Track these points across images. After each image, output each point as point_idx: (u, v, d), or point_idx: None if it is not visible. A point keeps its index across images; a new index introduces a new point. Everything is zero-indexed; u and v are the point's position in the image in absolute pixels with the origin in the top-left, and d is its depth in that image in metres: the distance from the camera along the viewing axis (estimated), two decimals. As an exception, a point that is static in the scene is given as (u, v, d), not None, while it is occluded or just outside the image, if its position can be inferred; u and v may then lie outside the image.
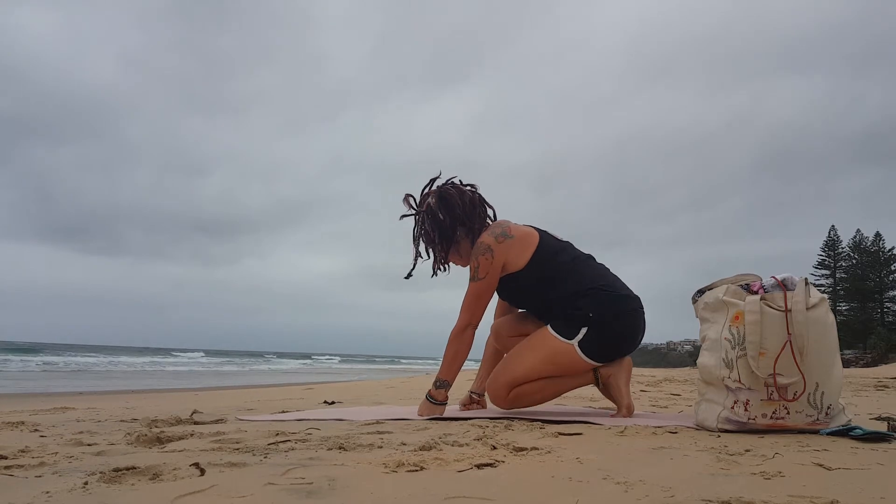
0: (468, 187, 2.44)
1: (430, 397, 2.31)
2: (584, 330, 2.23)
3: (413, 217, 2.43)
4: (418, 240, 2.43)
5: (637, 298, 2.35)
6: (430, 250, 2.43)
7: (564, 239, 2.45)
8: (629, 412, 2.27)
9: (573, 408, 2.71)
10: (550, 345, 2.28)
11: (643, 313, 2.36)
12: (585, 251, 2.44)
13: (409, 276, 2.46)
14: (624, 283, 2.37)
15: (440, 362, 2.34)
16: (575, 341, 2.24)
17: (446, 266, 2.47)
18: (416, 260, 2.44)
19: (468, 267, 2.36)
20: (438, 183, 2.43)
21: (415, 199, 2.44)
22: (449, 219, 2.36)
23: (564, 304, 2.28)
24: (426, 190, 2.43)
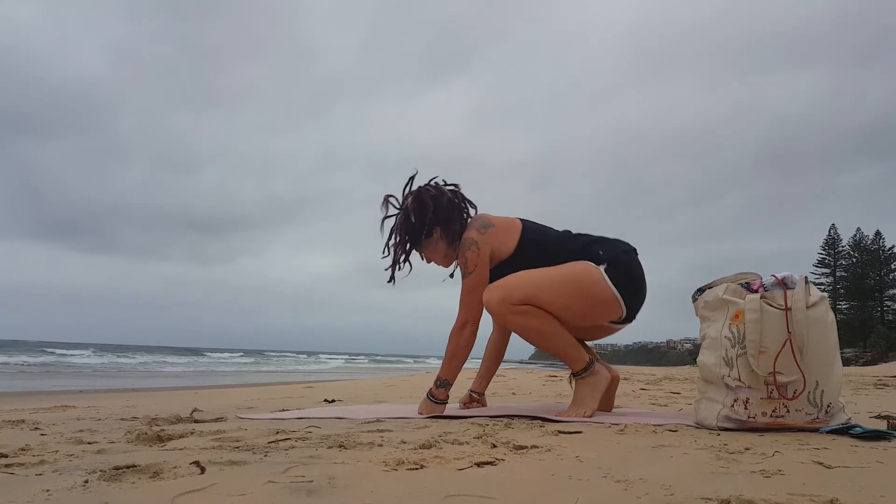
0: (449, 187, 2.43)
1: (430, 396, 2.30)
2: (604, 265, 2.19)
3: (396, 217, 2.42)
4: (404, 239, 2.41)
5: (635, 248, 2.33)
6: (392, 251, 2.42)
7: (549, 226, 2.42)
8: (606, 410, 2.27)
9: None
10: (577, 266, 2.20)
11: (639, 261, 2.32)
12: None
13: (391, 280, 2.44)
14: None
15: (440, 360, 2.34)
16: (601, 267, 2.18)
17: (403, 266, 2.44)
18: (392, 260, 2.42)
19: (457, 267, 2.34)
20: (419, 181, 2.42)
21: (397, 200, 2.43)
22: (419, 222, 2.36)
23: (578, 249, 2.24)
24: (406, 190, 2.42)
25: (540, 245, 2.29)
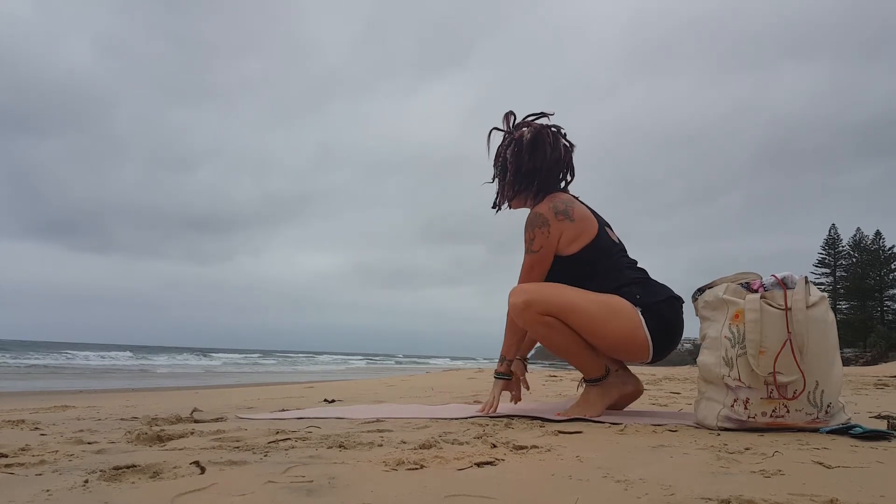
0: (566, 143, 2.31)
1: (495, 374, 2.29)
2: (640, 308, 2.11)
3: (503, 135, 2.34)
4: (497, 160, 2.34)
5: (678, 295, 2.24)
6: (499, 180, 2.35)
7: (618, 239, 2.31)
8: (580, 412, 2.18)
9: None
10: (615, 301, 2.12)
11: (682, 309, 2.23)
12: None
13: (495, 206, 2.39)
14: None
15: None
16: (638, 309, 2.10)
17: (507, 205, 2.38)
18: (500, 196, 2.36)
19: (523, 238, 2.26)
20: (546, 122, 2.30)
21: (514, 118, 2.34)
22: (531, 163, 2.25)
23: (618, 286, 2.16)
24: (529, 119, 2.32)
25: (594, 264, 2.20)
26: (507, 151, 2.29)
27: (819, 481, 1.09)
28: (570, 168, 2.33)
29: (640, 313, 2.09)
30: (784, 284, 1.79)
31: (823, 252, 48.10)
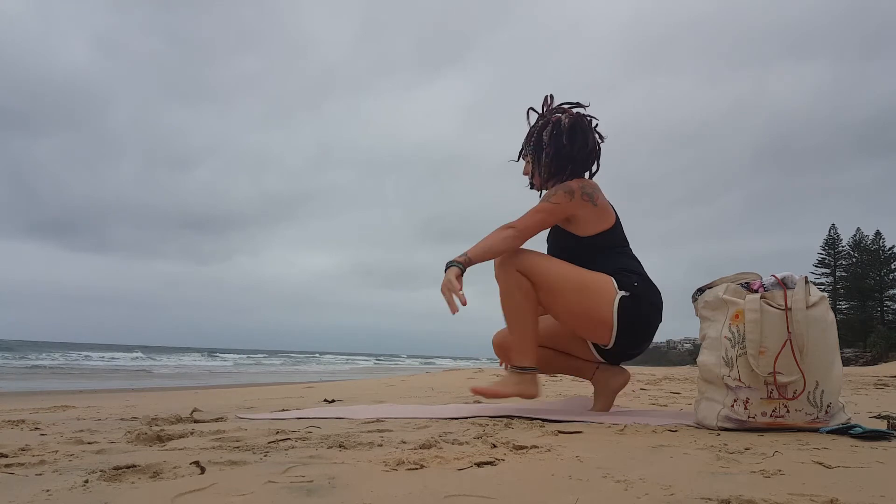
0: (598, 134, 2.35)
1: (451, 262, 2.10)
2: (624, 293, 2.13)
3: (538, 117, 2.35)
4: (530, 140, 2.35)
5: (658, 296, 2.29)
6: (535, 161, 2.35)
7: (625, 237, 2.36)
8: (603, 410, 2.28)
9: (574, 399, 2.71)
10: (598, 278, 2.15)
11: (657, 324, 2.27)
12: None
13: (532, 186, 2.40)
14: None
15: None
16: (620, 293, 2.13)
17: (538, 188, 2.38)
18: (541, 175, 2.35)
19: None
20: (583, 112, 2.33)
21: (551, 101, 2.36)
22: (568, 149, 2.27)
23: (617, 269, 2.20)
24: (567, 106, 2.34)
25: (607, 250, 2.24)
26: (545, 133, 2.30)
27: (819, 481, 1.09)
28: (598, 160, 2.37)
29: (619, 298, 2.12)
30: (784, 284, 1.79)
31: (823, 252, 48.13)
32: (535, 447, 1.42)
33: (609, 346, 2.19)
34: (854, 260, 47.33)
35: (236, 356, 34.99)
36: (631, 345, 2.21)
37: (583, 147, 2.29)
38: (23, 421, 2.11)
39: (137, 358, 24.11)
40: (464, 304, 2.02)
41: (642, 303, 2.15)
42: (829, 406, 1.74)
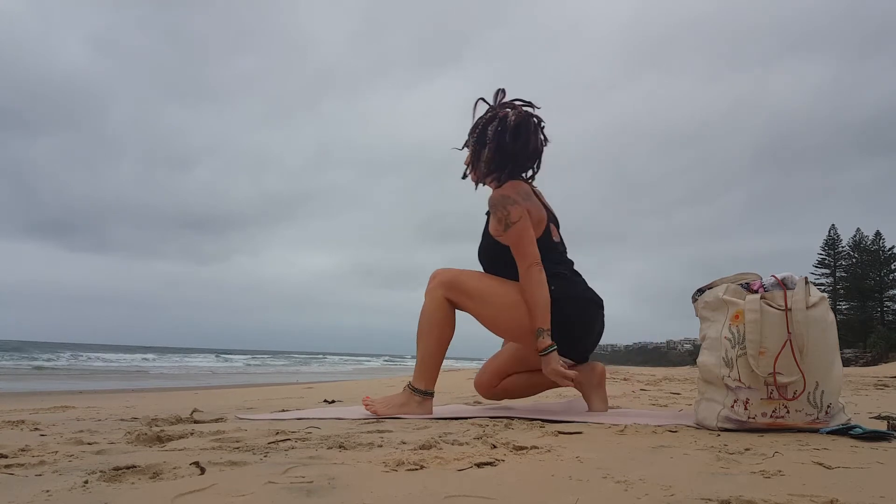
0: (543, 137, 2.34)
1: (547, 349, 2.13)
2: None
3: (487, 109, 2.34)
4: (474, 131, 2.34)
5: (600, 299, 2.34)
6: (474, 153, 2.35)
7: (560, 238, 2.40)
8: (600, 411, 2.30)
9: (574, 400, 2.71)
10: (518, 287, 2.21)
11: (602, 313, 2.34)
12: (580, 249, 2.42)
13: (465, 176, 2.41)
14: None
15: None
16: None
17: (475, 181, 2.40)
18: (480, 172, 2.35)
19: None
20: (532, 112, 2.31)
21: (503, 96, 2.34)
22: (511, 146, 2.26)
23: None
24: (518, 102, 2.31)
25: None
26: (490, 127, 2.29)
27: (819, 482, 1.09)
28: (540, 162, 2.37)
29: None
30: (784, 285, 1.79)
31: (823, 252, 48.16)
32: (535, 448, 1.42)
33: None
34: (854, 260, 47.35)
35: (243, 357, 35.04)
36: (574, 341, 2.27)
37: (524, 147, 2.28)
38: (23, 421, 2.11)
39: (147, 359, 24.12)
40: (573, 377, 2.14)
41: (564, 304, 2.20)
42: (829, 407, 1.74)
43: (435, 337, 2.25)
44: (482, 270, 2.39)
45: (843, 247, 47.83)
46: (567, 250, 2.42)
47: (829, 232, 48.27)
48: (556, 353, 2.14)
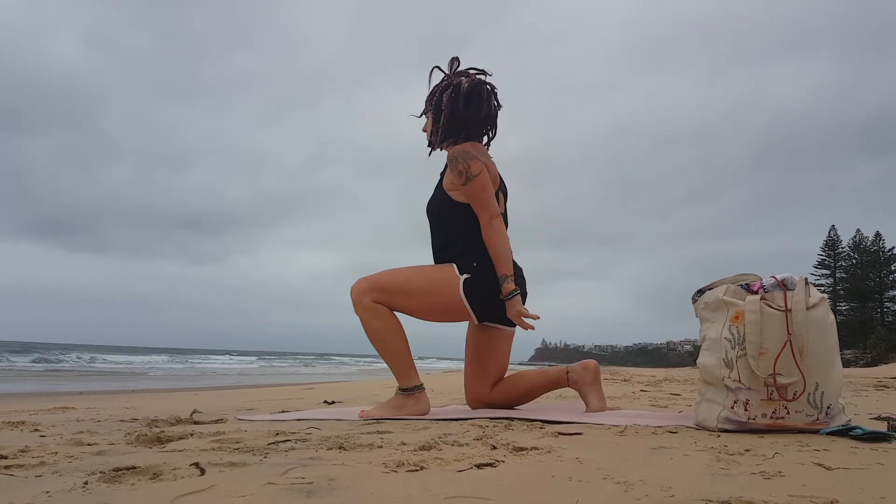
0: (496, 103, 2.41)
1: (511, 293, 2.20)
2: (466, 275, 2.25)
3: (442, 77, 2.40)
4: (431, 99, 2.41)
5: (520, 269, 2.38)
6: (433, 122, 2.41)
7: (505, 209, 2.44)
8: (598, 410, 2.30)
9: (574, 401, 2.71)
10: (442, 274, 2.28)
11: (524, 281, 2.37)
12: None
13: (430, 145, 2.47)
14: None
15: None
16: (462, 276, 2.26)
17: (435, 146, 2.45)
18: (436, 137, 2.40)
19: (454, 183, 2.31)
20: (486, 80, 2.38)
21: (458, 65, 2.40)
22: (464, 112, 2.33)
23: (462, 252, 2.30)
24: (472, 71, 2.39)
25: (469, 220, 2.29)
26: (444, 94, 2.36)
27: (819, 483, 1.09)
28: (495, 127, 2.44)
29: (462, 282, 2.25)
30: (784, 286, 1.79)
31: (823, 253, 48.13)
32: (535, 449, 1.42)
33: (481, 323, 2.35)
34: (854, 261, 47.32)
35: (250, 358, 35.04)
36: (498, 310, 2.28)
37: (477, 112, 2.34)
38: (23, 422, 2.11)
39: (147, 360, 24.07)
40: (536, 318, 2.21)
41: (487, 278, 2.25)
42: (829, 407, 1.74)
43: (389, 342, 2.30)
44: (429, 225, 2.45)
45: (843, 248, 47.83)
46: (508, 225, 2.43)
47: (829, 233, 48.27)
48: (519, 297, 2.22)
